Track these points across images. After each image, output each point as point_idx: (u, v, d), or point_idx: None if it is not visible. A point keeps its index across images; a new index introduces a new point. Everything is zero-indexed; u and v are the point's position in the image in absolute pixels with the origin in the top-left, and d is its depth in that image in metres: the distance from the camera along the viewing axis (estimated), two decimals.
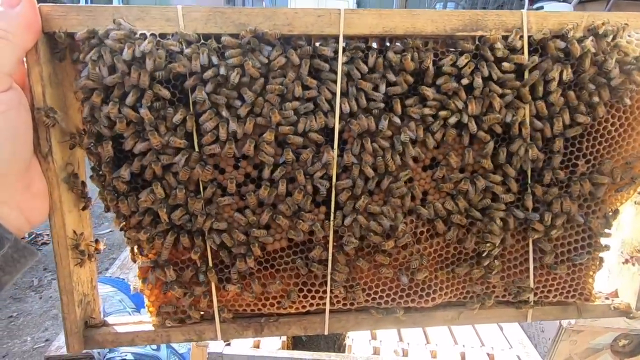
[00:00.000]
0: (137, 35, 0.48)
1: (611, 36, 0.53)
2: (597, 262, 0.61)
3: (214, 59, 0.50)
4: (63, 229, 0.53)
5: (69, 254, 0.54)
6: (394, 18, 0.52)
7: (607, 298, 0.66)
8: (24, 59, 0.48)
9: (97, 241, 0.59)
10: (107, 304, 1.14)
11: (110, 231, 3.04)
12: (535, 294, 0.62)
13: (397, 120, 0.54)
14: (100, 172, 0.54)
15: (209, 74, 0.49)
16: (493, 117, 0.53)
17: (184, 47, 0.49)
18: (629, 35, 0.55)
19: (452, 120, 0.54)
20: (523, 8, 4.01)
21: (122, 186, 0.53)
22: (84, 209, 0.57)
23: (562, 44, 0.53)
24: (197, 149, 0.53)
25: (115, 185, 0.53)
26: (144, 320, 0.61)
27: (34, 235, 2.99)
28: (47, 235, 3.05)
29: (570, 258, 0.60)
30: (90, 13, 0.49)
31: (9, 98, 0.44)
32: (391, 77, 0.53)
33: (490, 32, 0.53)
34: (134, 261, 0.59)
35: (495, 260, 0.59)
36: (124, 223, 0.55)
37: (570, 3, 3.70)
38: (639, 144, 0.56)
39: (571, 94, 0.54)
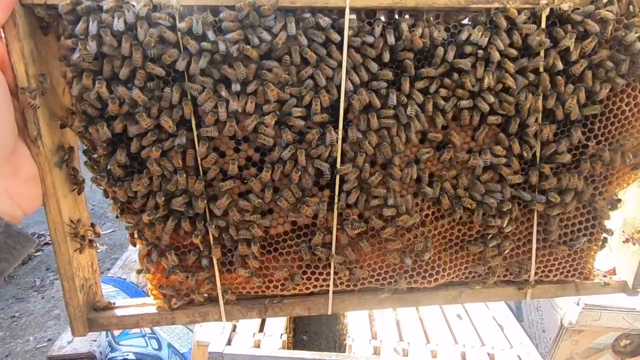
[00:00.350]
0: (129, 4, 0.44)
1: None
2: (600, 243, 0.62)
3: (210, 34, 0.46)
4: (59, 215, 0.52)
5: (67, 240, 0.53)
6: None
7: (604, 276, 0.67)
8: (2, 35, 0.44)
9: (93, 225, 0.57)
10: None
11: (112, 231, 3.02)
12: (537, 274, 0.63)
13: (404, 98, 0.51)
14: (95, 156, 0.51)
15: (205, 46, 0.46)
16: (507, 99, 0.51)
17: (177, 21, 0.46)
18: None
19: (465, 103, 0.51)
20: None
21: (119, 171, 0.50)
22: (78, 193, 0.55)
23: (579, 17, 0.50)
24: (195, 130, 0.50)
25: (112, 170, 0.51)
26: (148, 303, 0.61)
27: (35, 236, 2.96)
28: (49, 235, 2.98)
29: (569, 241, 0.60)
30: None
31: None
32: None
33: (507, 2, 0.49)
34: (134, 245, 0.58)
35: (505, 242, 0.59)
36: (121, 208, 0.53)
37: None
38: None
39: (588, 73, 0.51)
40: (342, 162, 0.54)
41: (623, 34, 0.51)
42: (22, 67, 0.45)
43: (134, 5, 0.44)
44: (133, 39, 0.45)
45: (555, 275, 0.63)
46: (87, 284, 0.58)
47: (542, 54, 0.51)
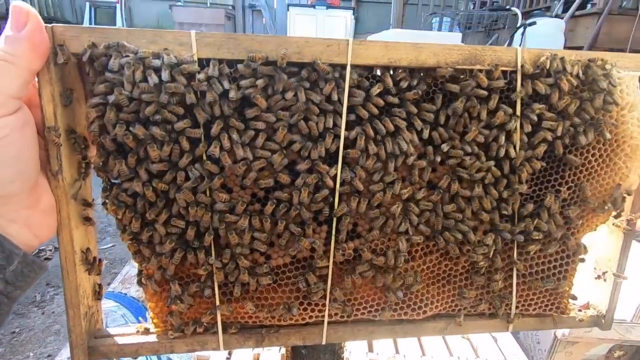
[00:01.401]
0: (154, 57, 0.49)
1: (603, 73, 0.58)
2: (572, 280, 0.67)
3: (226, 84, 0.51)
4: (71, 244, 0.54)
5: (76, 268, 0.55)
6: (398, 50, 0.55)
7: (579, 310, 0.72)
8: (35, 79, 0.48)
9: (100, 261, 0.59)
10: (110, 319, 1.13)
11: (112, 246, 2.99)
12: (517, 307, 0.67)
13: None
14: (113, 193, 0.54)
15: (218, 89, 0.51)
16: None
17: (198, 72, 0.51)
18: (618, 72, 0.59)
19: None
20: (517, 23, 4.14)
21: (130, 201, 0.54)
22: (90, 225, 0.58)
23: (550, 80, 0.57)
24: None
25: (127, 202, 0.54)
26: (148, 330, 0.62)
27: (37, 252, 2.91)
28: (50, 250, 3.01)
29: (543, 278, 0.66)
30: (103, 34, 0.50)
31: (13, 121, 0.44)
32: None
33: (490, 66, 0.56)
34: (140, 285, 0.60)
35: (496, 274, 0.64)
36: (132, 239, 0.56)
37: (562, 18, 3.83)
38: (615, 174, 0.61)
39: (558, 142, 0.59)
40: (340, 202, 0.58)
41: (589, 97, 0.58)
42: (51, 109, 0.49)
43: (164, 57, 0.49)
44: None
45: (534, 309, 0.68)
46: (89, 312, 0.60)
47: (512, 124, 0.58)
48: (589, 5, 3.91)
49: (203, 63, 0.51)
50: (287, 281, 0.62)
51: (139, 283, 0.58)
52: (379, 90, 0.55)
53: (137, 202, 0.54)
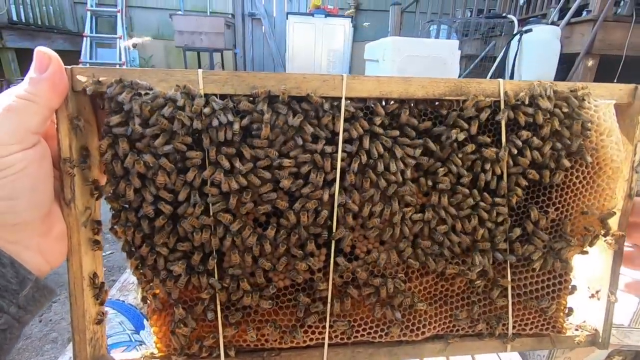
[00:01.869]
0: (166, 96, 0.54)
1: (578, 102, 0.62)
2: (566, 299, 0.69)
3: (230, 117, 0.56)
4: (80, 270, 0.56)
5: (83, 294, 0.57)
6: (390, 84, 0.59)
7: (576, 329, 0.73)
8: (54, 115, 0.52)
9: (106, 292, 0.61)
10: (108, 327, 1.13)
11: (111, 253, 2.98)
12: (514, 327, 0.69)
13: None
14: (122, 218, 0.57)
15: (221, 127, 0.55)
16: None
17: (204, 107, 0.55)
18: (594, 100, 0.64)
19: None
20: (513, 30, 4.22)
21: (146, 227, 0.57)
22: (98, 249, 0.60)
23: (529, 110, 0.61)
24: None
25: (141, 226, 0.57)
26: (153, 355, 0.63)
27: None
28: None
29: (537, 297, 0.67)
30: (119, 74, 0.54)
31: (31, 154, 0.48)
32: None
33: (476, 97, 0.61)
34: (145, 301, 0.62)
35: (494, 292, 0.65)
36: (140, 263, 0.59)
37: (558, 25, 3.93)
38: (600, 195, 0.65)
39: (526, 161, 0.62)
40: (338, 226, 0.61)
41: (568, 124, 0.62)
42: (67, 142, 0.53)
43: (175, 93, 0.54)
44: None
45: (531, 329, 0.69)
46: (94, 337, 0.61)
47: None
48: (584, 12, 3.98)
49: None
50: (288, 304, 0.64)
51: (144, 300, 0.60)
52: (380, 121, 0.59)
53: (144, 223, 0.57)
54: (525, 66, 3.88)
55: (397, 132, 0.60)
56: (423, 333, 0.67)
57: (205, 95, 0.55)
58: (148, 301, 0.61)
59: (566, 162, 0.62)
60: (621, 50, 3.82)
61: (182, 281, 0.58)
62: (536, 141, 0.61)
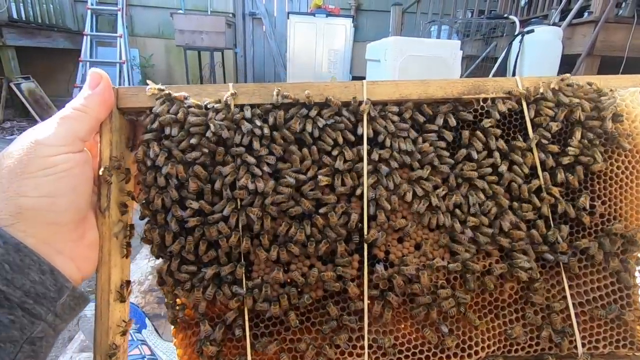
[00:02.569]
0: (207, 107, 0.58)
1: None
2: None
3: (257, 122, 0.58)
4: (108, 282, 0.55)
5: (109, 310, 0.55)
6: (408, 87, 0.62)
7: None
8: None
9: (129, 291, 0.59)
10: None
11: None
12: (584, 345, 0.59)
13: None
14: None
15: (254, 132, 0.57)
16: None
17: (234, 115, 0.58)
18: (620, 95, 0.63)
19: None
20: (515, 31, 4.14)
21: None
22: (126, 257, 0.59)
23: (550, 104, 0.61)
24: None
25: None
26: None
27: None
28: None
29: (604, 305, 0.59)
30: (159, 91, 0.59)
31: (77, 158, 0.51)
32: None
33: (490, 94, 0.62)
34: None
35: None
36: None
37: (559, 26, 3.94)
38: None
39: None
40: (369, 228, 0.59)
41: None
42: (108, 152, 0.56)
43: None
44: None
45: (604, 346, 0.59)
46: (113, 355, 0.57)
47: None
48: (586, 14, 3.99)
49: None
50: (321, 319, 0.58)
51: (173, 322, 0.57)
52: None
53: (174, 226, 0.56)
54: (526, 67, 3.82)
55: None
56: (477, 353, 0.58)
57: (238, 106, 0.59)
58: (176, 319, 0.58)
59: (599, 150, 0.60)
60: (622, 51, 3.78)
61: (209, 293, 0.56)
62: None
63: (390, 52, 3.44)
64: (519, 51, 3.86)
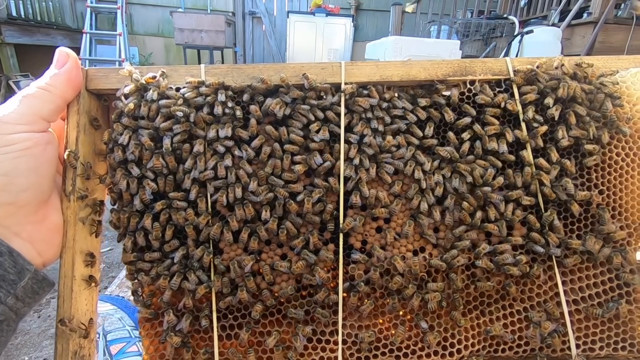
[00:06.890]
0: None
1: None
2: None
3: (230, 104, 0.56)
4: (72, 269, 0.53)
5: (72, 297, 0.53)
6: (389, 68, 0.58)
7: None
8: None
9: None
10: (107, 322, 1.08)
11: (110, 249, 2.95)
12: (578, 346, 0.54)
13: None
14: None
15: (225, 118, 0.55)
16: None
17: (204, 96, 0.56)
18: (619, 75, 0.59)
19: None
20: (514, 32, 4.17)
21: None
22: (96, 236, 0.57)
23: (547, 77, 0.57)
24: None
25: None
26: None
27: None
28: None
29: (600, 303, 0.54)
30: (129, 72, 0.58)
31: (37, 137, 0.49)
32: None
33: (477, 76, 0.58)
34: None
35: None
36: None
37: (559, 27, 3.91)
38: None
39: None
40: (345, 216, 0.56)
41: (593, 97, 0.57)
42: (74, 135, 0.55)
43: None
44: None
45: (601, 348, 0.54)
46: (80, 352, 0.55)
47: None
48: (585, 15, 3.99)
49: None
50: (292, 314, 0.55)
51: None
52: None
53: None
54: None
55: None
56: (459, 352, 0.54)
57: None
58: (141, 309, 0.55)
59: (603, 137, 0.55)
60: (621, 52, 3.77)
61: (175, 281, 0.53)
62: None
63: (390, 51, 3.46)
64: (518, 51, 3.86)
